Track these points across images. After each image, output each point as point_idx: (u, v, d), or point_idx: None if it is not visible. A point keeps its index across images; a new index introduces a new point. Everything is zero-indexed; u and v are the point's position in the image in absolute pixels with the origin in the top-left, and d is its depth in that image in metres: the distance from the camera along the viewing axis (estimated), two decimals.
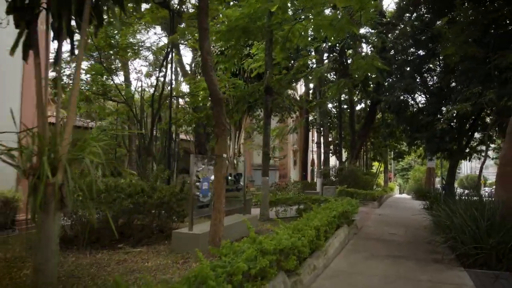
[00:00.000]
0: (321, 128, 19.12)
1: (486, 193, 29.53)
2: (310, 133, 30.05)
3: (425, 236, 8.62)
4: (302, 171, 25.36)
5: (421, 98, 17.54)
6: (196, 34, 12.21)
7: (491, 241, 5.51)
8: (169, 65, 12.01)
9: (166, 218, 7.78)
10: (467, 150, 17.44)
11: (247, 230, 7.98)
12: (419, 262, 6.13)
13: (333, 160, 29.68)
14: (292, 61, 16.64)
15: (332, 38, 11.96)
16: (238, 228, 7.71)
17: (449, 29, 11.14)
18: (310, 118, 27.23)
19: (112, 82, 12.19)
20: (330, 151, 26.73)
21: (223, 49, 15.29)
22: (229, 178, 8.08)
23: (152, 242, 7.24)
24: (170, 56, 11.91)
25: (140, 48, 12.79)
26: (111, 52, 10.98)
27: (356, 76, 12.93)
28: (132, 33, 11.29)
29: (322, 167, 20.21)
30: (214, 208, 6.00)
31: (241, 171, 8.60)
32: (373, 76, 13.38)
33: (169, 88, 13.15)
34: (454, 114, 14.66)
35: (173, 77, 14.43)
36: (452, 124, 16.35)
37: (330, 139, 28.10)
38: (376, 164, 37.17)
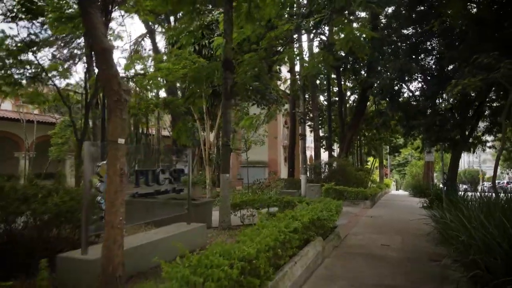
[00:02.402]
0: (303, 119, 16.95)
1: (486, 188, 27.66)
2: (301, 127, 28.05)
3: (427, 248, 6.56)
4: (289, 168, 23.23)
5: (416, 83, 15.57)
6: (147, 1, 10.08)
7: None
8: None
9: (71, 233, 5.68)
10: (471, 140, 15.41)
11: (189, 245, 5.80)
12: None
13: (326, 156, 27.68)
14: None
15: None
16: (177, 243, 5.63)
17: None
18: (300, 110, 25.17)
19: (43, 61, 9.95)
20: (322, 146, 24.67)
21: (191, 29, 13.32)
22: (162, 175, 5.96)
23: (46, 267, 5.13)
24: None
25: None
26: (36, 21, 8.72)
27: (339, 48, 10.69)
28: None
29: (309, 162, 18.10)
30: (106, 222, 3.88)
31: (182, 166, 6.48)
32: (362, 51, 11.25)
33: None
34: (457, 99, 12.63)
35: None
36: (453, 110, 14.33)
37: (321, 135, 26.07)
38: (371, 159, 35.19)
